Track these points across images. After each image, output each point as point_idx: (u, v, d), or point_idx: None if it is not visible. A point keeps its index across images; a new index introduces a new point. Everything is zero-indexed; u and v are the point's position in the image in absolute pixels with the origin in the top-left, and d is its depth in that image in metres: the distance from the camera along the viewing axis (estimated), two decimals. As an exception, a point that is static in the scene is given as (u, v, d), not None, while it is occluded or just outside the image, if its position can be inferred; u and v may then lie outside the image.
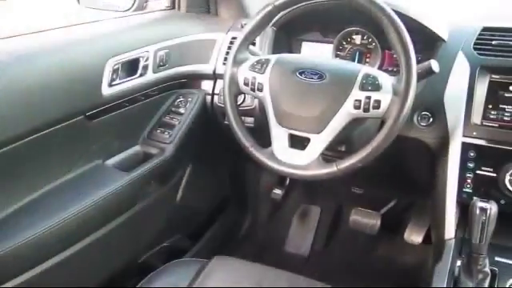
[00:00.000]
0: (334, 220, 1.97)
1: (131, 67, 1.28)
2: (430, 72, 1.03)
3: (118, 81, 1.23)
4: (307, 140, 1.05)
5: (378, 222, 1.76)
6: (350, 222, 1.79)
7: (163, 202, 1.47)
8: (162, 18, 1.54)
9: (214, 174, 1.79)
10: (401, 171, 1.44)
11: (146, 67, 1.30)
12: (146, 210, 1.36)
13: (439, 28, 1.21)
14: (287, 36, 1.45)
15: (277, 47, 1.39)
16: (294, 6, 1.24)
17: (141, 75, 1.30)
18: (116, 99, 1.24)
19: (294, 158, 1.06)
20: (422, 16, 1.19)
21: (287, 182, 1.82)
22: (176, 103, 1.45)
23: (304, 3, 1.20)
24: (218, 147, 1.63)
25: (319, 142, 1.04)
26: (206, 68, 1.46)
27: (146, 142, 1.38)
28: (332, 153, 1.19)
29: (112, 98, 1.22)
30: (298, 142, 1.07)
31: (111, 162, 1.29)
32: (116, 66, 1.22)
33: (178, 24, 1.49)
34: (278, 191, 1.77)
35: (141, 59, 1.29)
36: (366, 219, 1.77)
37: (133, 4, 1.49)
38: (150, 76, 1.32)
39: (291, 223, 1.99)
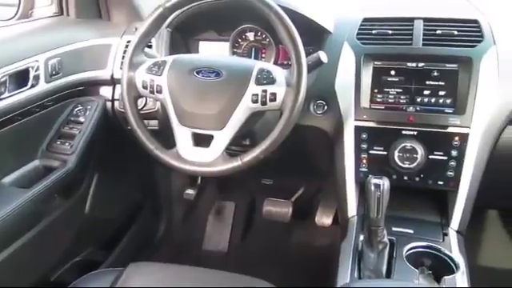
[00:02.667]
0: (249, 213, 2.02)
1: (21, 78, 1.21)
2: (319, 63, 1.11)
3: (6, 94, 1.16)
4: (211, 137, 1.07)
5: (290, 210, 1.84)
6: (263, 212, 1.85)
7: (71, 215, 1.41)
8: (51, 26, 1.47)
9: (124, 180, 1.76)
10: (304, 159, 1.52)
11: (37, 77, 1.24)
12: (52, 225, 1.30)
13: (325, 21, 1.29)
14: (183, 36, 1.47)
15: (174, 48, 1.40)
16: (185, 8, 1.25)
17: (32, 86, 1.23)
18: (6, 113, 1.17)
19: (199, 156, 1.07)
20: (308, 10, 1.26)
21: (199, 181, 1.83)
22: (75, 112, 1.40)
23: (193, 4, 1.22)
24: (125, 153, 1.60)
25: (222, 138, 1.06)
26: (104, 74, 1.43)
27: (46, 155, 1.32)
28: (237, 147, 1.22)
29: (1, 112, 1.15)
30: (202, 140, 1.09)
31: (8, 179, 1.22)
32: (3, 79, 1.15)
33: (68, 31, 1.44)
34: (190, 191, 1.78)
35: (30, 69, 1.22)
36: (278, 208, 1.83)
37: (16, 12, 1.41)
38: (43, 86, 1.26)
39: (207, 221, 2.01)
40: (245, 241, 1.98)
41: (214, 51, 1.46)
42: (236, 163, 1.06)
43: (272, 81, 1.05)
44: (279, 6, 1.05)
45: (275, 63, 1.38)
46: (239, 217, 2.01)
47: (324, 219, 1.86)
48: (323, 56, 1.10)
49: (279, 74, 1.06)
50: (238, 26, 1.40)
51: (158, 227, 1.97)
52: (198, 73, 1.09)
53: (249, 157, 1.05)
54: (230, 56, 1.40)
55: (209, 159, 1.06)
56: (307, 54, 1.09)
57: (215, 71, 1.08)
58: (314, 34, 1.28)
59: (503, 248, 1.76)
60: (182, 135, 1.09)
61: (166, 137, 1.14)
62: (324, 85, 1.24)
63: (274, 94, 1.04)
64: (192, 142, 1.09)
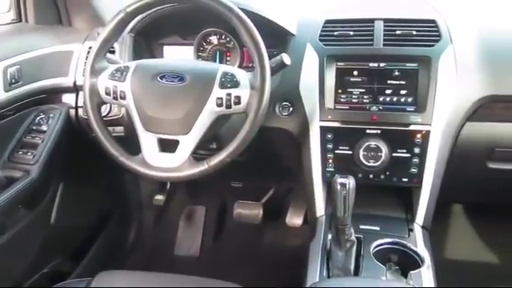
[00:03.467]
0: (220, 216, 2.02)
1: None
2: (282, 65, 1.12)
3: (-37, 104, 1.13)
4: (176, 142, 1.07)
5: (261, 212, 1.85)
6: (234, 215, 1.85)
7: (36, 226, 1.38)
8: (9, 33, 1.43)
9: (91, 188, 1.73)
10: (273, 160, 1.53)
11: (-5, 86, 1.21)
12: (17, 237, 1.27)
13: (288, 23, 1.30)
14: (147, 41, 1.45)
15: (137, 53, 1.38)
16: (146, 12, 1.24)
17: (-10, 95, 1.20)
18: None
19: (165, 161, 1.07)
20: (270, 13, 1.27)
21: (168, 186, 1.82)
22: (37, 121, 1.36)
23: (155, 9, 1.21)
24: (91, 160, 1.57)
25: (188, 143, 1.06)
26: (66, 81, 1.40)
27: (7, 166, 1.28)
28: (204, 151, 1.22)
29: None
30: (168, 146, 1.08)
31: (-33, 192, 1.18)
32: (-41, 89, 1.11)
33: (27, 37, 1.40)
34: (159, 197, 1.76)
35: (-12, 78, 1.19)
36: (249, 210, 1.84)
37: (-27, 20, 1.37)
38: (2, 95, 1.23)
39: (178, 226, 1.99)
40: (216, 244, 1.98)
41: (178, 55, 1.45)
42: (203, 167, 1.06)
43: (236, 84, 1.05)
44: (241, 9, 1.05)
45: (240, 66, 1.39)
46: (210, 220, 2.00)
47: (295, 219, 1.87)
48: (286, 58, 1.11)
49: (243, 77, 1.07)
50: (202, 29, 1.40)
51: (128, 234, 1.94)
52: (161, 78, 1.08)
53: (215, 160, 1.06)
54: (194, 60, 1.40)
55: (175, 164, 1.06)
56: (271, 57, 1.09)
57: (179, 76, 1.08)
58: (278, 37, 1.29)
59: (467, 241, 1.82)
60: (148, 141, 1.08)
61: (132, 143, 1.13)
62: (289, 87, 1.25)
63: (238, 97, 1.04)
64: (158, 147, 1.08)
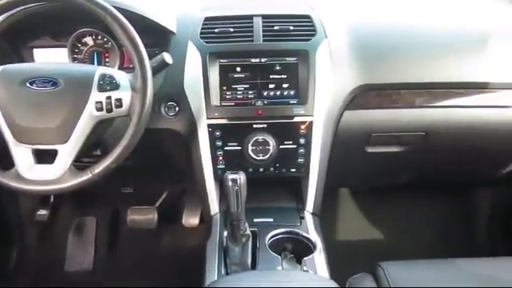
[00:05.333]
0: (112, 225, 1.93)
1: None
2: (164, 64, 1.09)
3: None
4: (54, 152, 0.99)
5: (155, 216, 1.80)
6: (128, 222, 1.78)
7: None
8: None
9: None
10: (163, 162, 1.49)
11: None
12: None
13: (167, 21, 1.27)
14: (13, 44, 1.32)
15: (3, 58, 1.25)
16: (7, 13, 1.13)
17: None
18: None
19: (42, 173, 0.99)
20: (148, 11, 1.23)
21: (52, 199, 1.69)
22: None
23: (18, 8, 1.11)
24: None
25: (68, 152, 0.99)
26: None
27: None
28: (88, 159, 1.15)
29: None
30: (46, 156, 1.00)
31: None
32: None
33: None
34: (42, 212, 1.64)
35: None
36: (143, 216, 1.79)
37: None
38: None
39: (67, 241, 1.87)
40: (111, 255, 1.89)
41: (51, 59, 1.35)
42: (86, 176, 1.00)
43: (116, 86, 1.00)
44: (116, 7, 1.00)
45: (121, 67, 1.33)
46: (102, 231, 1.90)
47: (191, 220, 1.85)
48: (167, 57, 1.08)
49: (123, 78, 1.02)
50: (75, 30, 1.31)
51: (9, 254, 1.77)
52: (31, 83, 1.00)
53: (100, 168, 1.00)
54: (68, 63, 1.30)
55: (54, 176, 0.99)
56: (152, 56, 1.06)
57: (51, 80, 1.00)
58: (157, 35, 1.25)
59: (356, 222, 1.94)
60: (21, 153, 0.99)
61: (3, 157, 1.03)
62: (173, 86, 1.23)
63: (119, 100, 1.00)
64: (33, 159, 1.00)
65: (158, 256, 1.87)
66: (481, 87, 1.31)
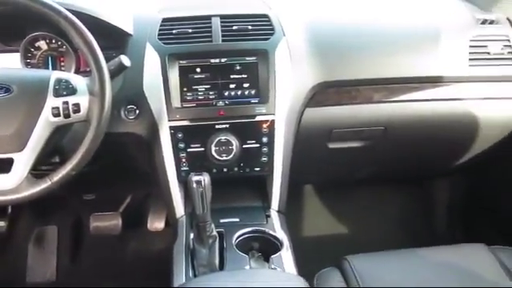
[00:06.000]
0: (75, 233, 1.88)
1: None
2: (122, 67, 1.07)
3: None
4: (10, 161, 0.96)
5: (120, 221, 1.78)
6: (91, 230, 1.75)
7: None
8: None
9: None
10: (125, 167, 1.47)
11: None
12: None
13: (123, 23, 1.25)
14: (-40, 50, 1.28)
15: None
16: None
17: None
18: None
19: None
20: (103, 12, 1.21)
21: (9, 210, 1.63)
22: None
23: None
24: None
25: (24, 160, 0.96)
26: None
27: None
28: (47, 166, 1.12)
29: None
30: (1, 165, 0.97)
31: None
32: None
33: None
34: (0, 223, 1.58)
35: None
36: (107, 222, 1.76)
37: None
38: None
39: (28, 252, 1.81)
40: (75, 264, 1.84)
41: (2, 64, 1.29)
42: (45, 185, 0.97)
43: (73, 91, 0.98)
44: (69, 10, 0.98)
45: (77, 71, 1.29)
46: (64, 240, 1.85)
47: (156, 224, 1.83)
48: (125, 60, 1.06)
49: (80, 82, 1.00)
50: (27, 33, 1.27)
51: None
52: None
53: (59, 175, 0.98)
54: (22, 68, 1.26)
55: (11, 185, 0.96)
56: (109, 59, 1.04)
57: (4, 87, 0.97)
58: (114, 38, 1.23)
59: (320, 218, 1.96)
60: (-27, 163, 0.95)
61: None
62: (132, 89, 1.21)
63: (77, 105, 0.98)
64: None
65: (124, 262, 1.84)
66: (434, 81, 1.35)
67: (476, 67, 1.36)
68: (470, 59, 1.35)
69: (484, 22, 1.41)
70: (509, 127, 1.46)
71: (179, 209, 1.25)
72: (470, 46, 1.36)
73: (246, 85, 1.23)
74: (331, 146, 1.42)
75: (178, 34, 1.25)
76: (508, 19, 1.44)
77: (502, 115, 1.43)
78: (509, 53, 1.37)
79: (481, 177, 1.78)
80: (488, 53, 1.37)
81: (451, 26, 1.40)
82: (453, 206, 1.94)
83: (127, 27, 1.25)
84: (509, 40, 1.39)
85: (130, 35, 1.25)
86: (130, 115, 1.21)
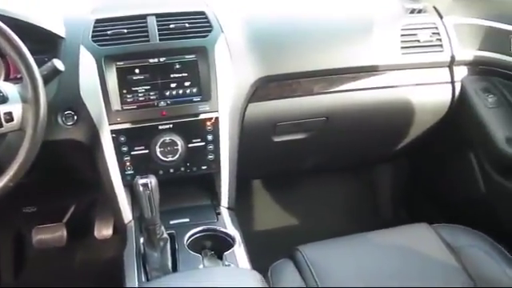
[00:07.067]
0: (16, 248, 1.79)
1: None
2: (56, 72, 1.03)
3: None
4: None
5: (64, 232, 1.71)
6: (34, 243, 1.67)
7: None
8: None
9: None
10: (67, 175, 1.42)
11: None
12: None
13: (53, 25, 1.20)
14: None
15: None
16: None
17: None
18: None
19: None
20: (30, 15, 1.15)
21: None
22: None
23: None
24: None
25: None
26: None
27: None
28: None
29: None
30: None
31: None
32: None
33: None
34: None
35: None
36: (51, 234, 1.69)
37: None
38: None
39: None
40: (19, 279, 1.75)
41: None
42: None
43: (3, 99, 0.93)
44: None
45: (7, 78, 1.22)
46: (5, 256, 1.76)
47: (104, 231, 1.77)
48: (58, 64, 1.02)
49: (10, 90, 0.95)
50: None
51: None
52: None
53: None
54: None
55: None
56: (41, 64, 1.00)
57: None
58: (45, 41, 1.17)
59: (272, 212, 1.98)
60: None
61: None
62: (68, 94, 1.16)
63: (9, 114, 0.93)
64: None
65: (73, 273, 1.78)
66: (369, 70, 1.40)
67: (408, 55, 1.42)
68: (402, 47, 1.41)
69: (413, 11, 1.48)
70: (440, 111, 1.53)
71: (127, 214, 1.22)
72: (402, 35, 1.42)
73: (187, 83, 1.22)
74: (276, 139, 1.44)
75: (113, 35, 1.21)
76: (434, 8, 1.51)
77: (434, 100, 1.51)
78: (437, 39, 1.45)
79: (420, 160, 1.86)
80: (418, 40, 1.43)
81: (383, 16, 1.45)
82: (396, 189, 2.02)
83: (58, 30, 1.20)
84: (436, 28, 1.46)
85: (62, 38, 1.20)
86: (68, 121, 1.17)
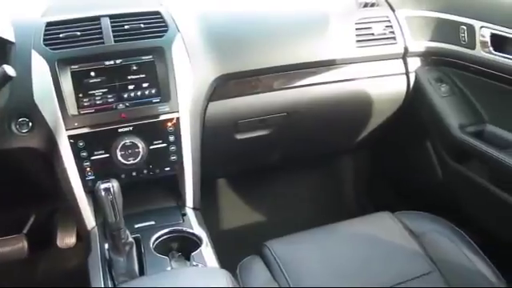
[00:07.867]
0: None
1: None
2: (6, 78, 0.99)
3: None
4: None
5: (25, 244, 1.65)
6: None
7: None
8: None
9: None
10: (24, 185, 1.37)
11: None
12: None
13: (2, 30, 1.15)
14: None
15: None
16: None
17: None
18: None
19: None
20: None
21: None
22: None
23: None
24: None
25: None
26: None
27: None
28: None
29: None
30: None
31: None
32: None
33: None
34: None
35: None
36: (10, 246, 1.63)
37: None
38: None
39: None
40: (-21, 297, 1.69)
41: None
42: None
43: None
44: None
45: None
46: None
47: (67, 240, 1.73)
48: (9, 69, 0.99)
49: None
50: None
51: None
52: None
53: None
54: None
55: None
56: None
57: None
58: None
59: (239, 209, 1.98)
60: None
61: None
62: (22, 100, 1.12)
63: None
64: None
65: (36, 285, 1.72)
66: (327, 64, 1.42)
67: (363, 48, 1.45)
68: (357, 41, 1.44)
69: (366, 5, 1.51)
70: (397, 101, 1.58)
71: (90, 220, 1.20)
72: (356, 29, 1.45)
73: (145, 85, 1.20)
74: (238, 137, 1.44)
75: (65, 38, 1.18)
76: (386, 1, 1.55)
77: (390, 91, 1.55)
78: (390, 32, 1.48)
79: (381, 149, 1.91)
80: (372, 34, 1.46)
81: (337, 11, 1.47)
82: (359, 179, 2.06)
83: (7, 35, 1.15)
84: (389, 21, 1.50)
85: (12, 43, 1.15)
86: (23, 128, 1.13)
